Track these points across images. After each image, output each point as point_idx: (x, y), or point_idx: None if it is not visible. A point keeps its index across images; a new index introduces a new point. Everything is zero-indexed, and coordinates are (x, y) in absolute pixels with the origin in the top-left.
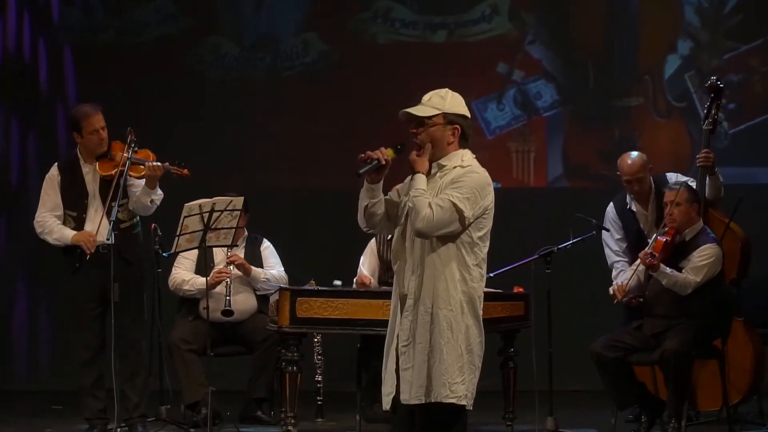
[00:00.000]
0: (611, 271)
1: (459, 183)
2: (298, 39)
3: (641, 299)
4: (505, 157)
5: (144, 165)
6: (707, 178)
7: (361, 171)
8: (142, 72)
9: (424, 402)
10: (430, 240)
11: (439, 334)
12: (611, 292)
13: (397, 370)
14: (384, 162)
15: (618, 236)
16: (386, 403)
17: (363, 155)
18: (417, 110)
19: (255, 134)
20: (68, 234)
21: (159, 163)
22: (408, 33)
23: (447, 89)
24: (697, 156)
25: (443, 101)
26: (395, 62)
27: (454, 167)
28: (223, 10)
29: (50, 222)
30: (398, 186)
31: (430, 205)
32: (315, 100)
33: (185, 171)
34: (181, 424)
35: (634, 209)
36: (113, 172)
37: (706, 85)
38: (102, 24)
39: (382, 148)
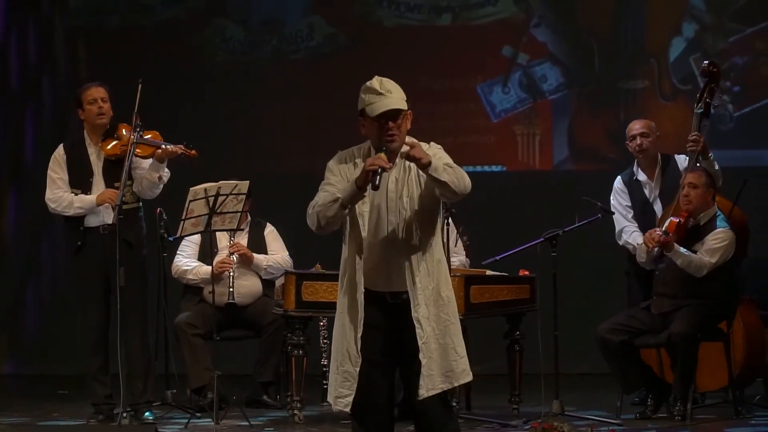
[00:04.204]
0: (617, 243)
1: (440, 155)
2: (303, 22)
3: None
4: (510, 140)
5: (152, 146)
6: (701, 162)
7: (378, 182)
8: (147, 55)
9: (449, 387)
10: (418, 222)
11: (452, 315)
12: (642, 242)
13: (369, 370)
14: (389, 167)
15: (626, 203)
16: (345, 405)
17: (371, 167)
18: (399, 103)
19: (260, 118)
20: (90, 198)
21: (172, 147)
22: (413, 16)
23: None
24: (687, 140)
25: (400, 91)
26: (401, 45)
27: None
28: None
29: (66, 195)
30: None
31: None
32: (320, 83)
33: (193, 152)
34: (187, 408)
35: (641, 179)
36: (119, 152)
37: (700, 69)
38: (108, 7)
39: (381, 155)
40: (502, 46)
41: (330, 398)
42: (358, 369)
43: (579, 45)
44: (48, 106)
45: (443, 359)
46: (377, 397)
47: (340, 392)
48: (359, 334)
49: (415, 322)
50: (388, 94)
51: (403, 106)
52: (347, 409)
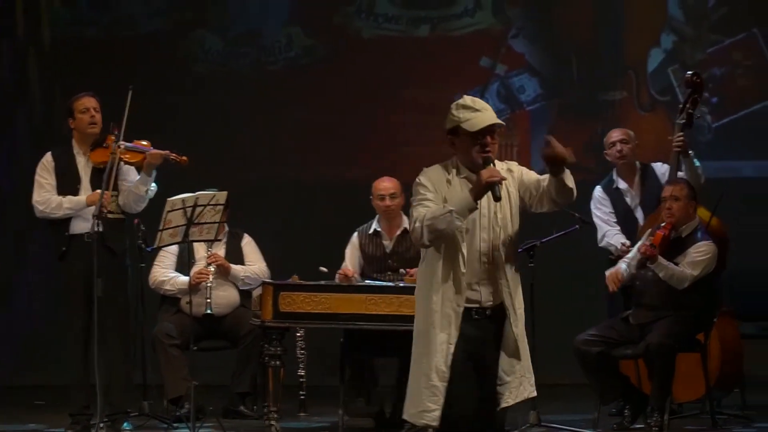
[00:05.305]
0: (597, 253)
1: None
2: (282, 33)
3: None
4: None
5: (142, 152)
6: (682, 161)
7: (499, 193)
8: (126, 66)
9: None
10: (509, 238)
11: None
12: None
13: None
14: (505, 179)
15: (609, 210)
16: (432, 419)
17: (492, 179)
18: (497, 119)
19: (239, 129)
20: (79, 198)
21: (159, 151)
22: (391, 27)
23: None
24: (672, 142)
25: (491, 108)
26: (379, 57)
27: None
28: (209, 5)
29: (54, 197)
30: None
31: None
32: (299, 94)
33: (184, 158)
34: (164, 418)
35: (621, 187)
36: (107, 160)
37: (683, 79)
38: (88, 18)
39: (493, 168)
40: (480, 57)
41: (408, 414)
42: (445, 384)
43: (557, 56)
44: (22, 125)
45: (529, 372)
46: (467, 409)
47: (427, 407)
48: (452, 350)
49: (518, 338)
50: (485, 111)
51: (500, 121)
52: (434, 424)
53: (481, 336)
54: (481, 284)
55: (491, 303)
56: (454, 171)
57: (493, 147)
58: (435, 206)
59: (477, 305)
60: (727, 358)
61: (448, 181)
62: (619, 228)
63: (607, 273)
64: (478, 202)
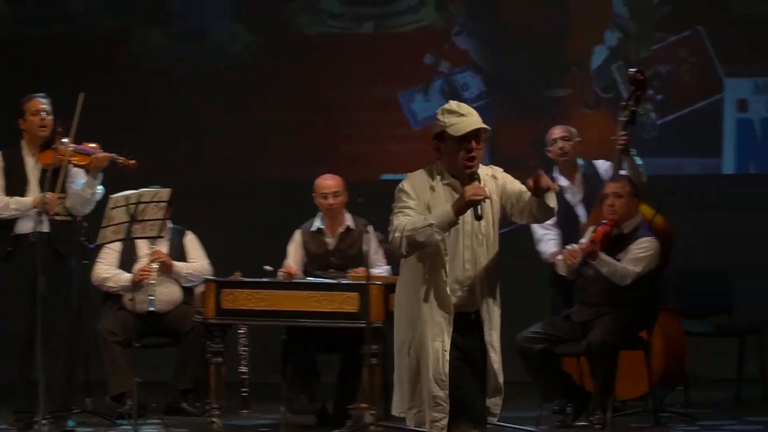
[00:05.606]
0: (537, 251)
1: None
2: (226, 31)
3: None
4: (431, 149)
5: (90, 155)
6: (624, 159)
7: (481, 213)
8: (69, 64)
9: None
10: (491, 245)
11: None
12: (562, 258)
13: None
14: (489, 197)
15: None
16: (441, 428)
17: (475, 198)
18: (482, 123)
19: (183, 126)
20: (26, 200)
21: (106, 154)
22: (335, 24)
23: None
24: (617, 139)
25: (476, 113)
26: (323, 54)
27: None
28: (154, 2)
29: (1, 198)
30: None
31: None
32: (242, 91)
33: (132, 162)
34: (107, 415)
35: (563, 184)
36: (54, 162)
37: (627, 76)
38: (34, 17)
39: (478, 185)
40: (423, 54)
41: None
42: (447, 392)
43: (501, 53)
44: None
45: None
46: (473, 397)
47: (434, 417)
48: (447, 357)
49: (489, 347)
50: (470, 115)
51: (486, 125)
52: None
53: (468, 342)
54: (463, 291)
55: (472, 310)
56: (438, 177)
57: (478, 152)
58: (416, 216)
59: (462, 312)
60: (671, 356)
61: (432, 188)
62: (555, 232)
63: (564, 250)
64: (460, 217)
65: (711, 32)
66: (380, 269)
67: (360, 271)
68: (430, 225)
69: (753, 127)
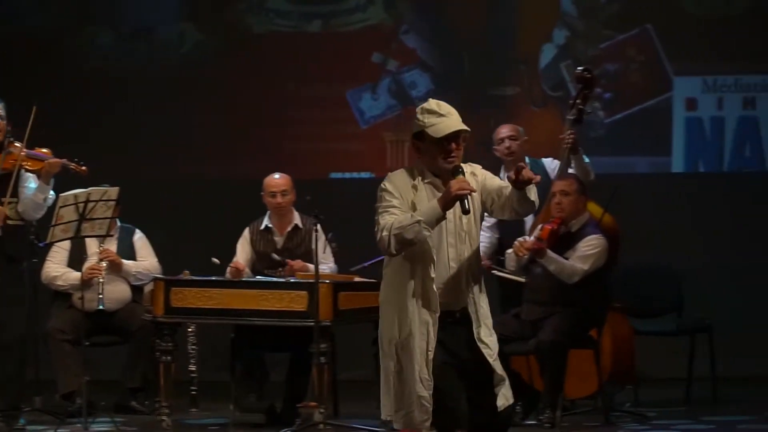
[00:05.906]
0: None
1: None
2: (174, 29)
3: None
4: (379, 147)
5: (43, 160)
6: (572, 158)
7: (469, 206)
8: (16, 63)
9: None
10: (473, 242)
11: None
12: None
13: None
14: (475, 190)
15: None
16: (427, 429)
17: (462, 192)
18: (462, 125)
19: (132, 126)
20: None
21: (56, 159)
22: (283, 23)
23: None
24: (565, 138)
25: (457, 113)
26: (271, 52)
27: None
28: (102, 1)
29: None
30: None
31: None
32: (191, 90)
33: (83, 168)
34: (56, 414)
35: None
36: (6, 167)
37: (574, 75)
38: None
39: (463, 178)
40: (371, 53)
41: (395, 417)
42: (431, 392)
43: (449, 51)
44: None
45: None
46: (455, 402)
47: (421, 417)
48: (431, 357)
49: (478, 342)
50: (450, 116)
51: (466, 127)
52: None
53: (455, 341)
54: (447, 289)
55: (458, 307)
56: (420, 177)
57: (458, 153)
58: (402, 214)
59: (447, 310)
60: (620, 355)
61: (414, 187)
62: (487, 235)
63: (515, 243)
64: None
65: (660, 30)
66: (327, 267)
67: (296, 264)
68: (418, 221)
69: (702, 125)
